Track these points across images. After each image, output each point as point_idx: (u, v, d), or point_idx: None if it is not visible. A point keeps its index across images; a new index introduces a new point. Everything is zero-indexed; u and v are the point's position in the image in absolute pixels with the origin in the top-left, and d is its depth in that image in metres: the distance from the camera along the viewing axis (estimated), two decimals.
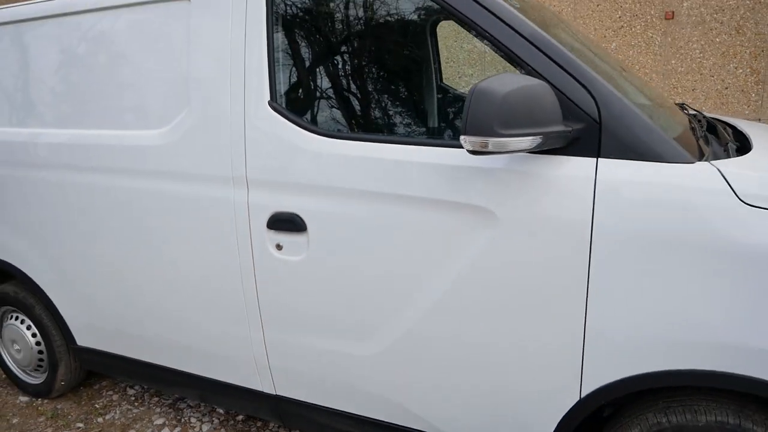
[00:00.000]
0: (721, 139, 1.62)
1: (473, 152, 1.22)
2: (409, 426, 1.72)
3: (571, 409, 1.46)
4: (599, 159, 1.32)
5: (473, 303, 1.49)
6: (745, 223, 1.21)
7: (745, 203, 1.21)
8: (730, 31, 3.57)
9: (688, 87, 3.69)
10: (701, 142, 1.50)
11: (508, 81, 1.20)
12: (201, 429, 2.34)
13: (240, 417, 2.40)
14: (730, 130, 1.87)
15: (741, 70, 3.60)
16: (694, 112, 2.18)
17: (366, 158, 1.54)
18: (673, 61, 3.68)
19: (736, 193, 1.22)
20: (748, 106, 3.63)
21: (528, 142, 1.22)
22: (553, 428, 1.50)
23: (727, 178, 1.24)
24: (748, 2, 3.44)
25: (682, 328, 1.28)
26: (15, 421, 2.48)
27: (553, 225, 1.35)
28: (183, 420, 2.41)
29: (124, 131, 1.96)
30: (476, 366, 1.54)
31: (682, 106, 2.18)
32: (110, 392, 2.66)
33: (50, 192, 2.17)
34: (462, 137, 1.21)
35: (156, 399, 2.58)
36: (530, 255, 1.39)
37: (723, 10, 3.53)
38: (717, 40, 3.60)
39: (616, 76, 1.59)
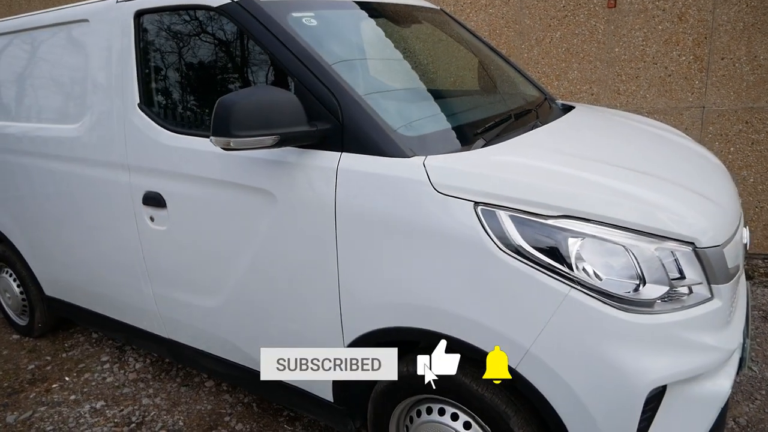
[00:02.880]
0: (481, 135, 1.80)
1: (225, 149, 1.58)
2: (243, 364, 2.12)
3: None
4: (342, 153, 1.64)
5: (269, 268, 1.86)
6: (436, 207, 1.49)
7: (437, 191, 1.50)
8: (673, 19, 3.57)
9: (631, 74, 3.73)
10: (459, 135, 1.77)
11: (249, 93, 1.55)
12: (135, 366, 2.87)
13: (166, 360, 2.90)
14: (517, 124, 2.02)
15: (684, 57, 3.60)
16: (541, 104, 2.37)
17: (195, 150, 1.93)
18: (616, 49, 3.73)
19: (432, 183, 1.51)
20: (692, 93, 3.64)
21: (270, 140, 1.56)
22: None
23: (428, 171, 1.52)
24: None
25: (397, 292, 1.59)
26: (5, 352, 3.13)
27: (310, 205, 1.69)
28: (123, 359, 2.95)
29: (54, 125, 2.46)
30: (280, 315, 1.91)
31: (541, 103, 2.37)
32: (79, 335, 3.26)
33: (10, 172, 2.73)
34: (210, 138, 1.56)
35: (110, 342, 3.14)
36: (298, 230, 1.74)
37: None
38: (659, 27, 3.61)
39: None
